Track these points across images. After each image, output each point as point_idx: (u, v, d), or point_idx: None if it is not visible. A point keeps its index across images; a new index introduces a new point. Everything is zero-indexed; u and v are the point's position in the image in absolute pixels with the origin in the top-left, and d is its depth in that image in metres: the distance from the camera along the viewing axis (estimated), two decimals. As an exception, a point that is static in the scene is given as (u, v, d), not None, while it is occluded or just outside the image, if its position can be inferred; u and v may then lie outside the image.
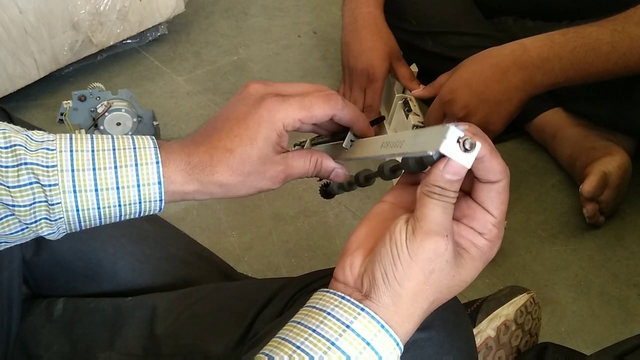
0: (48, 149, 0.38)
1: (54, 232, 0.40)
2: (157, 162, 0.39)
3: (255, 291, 0.57)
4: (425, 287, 0.35)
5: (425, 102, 1.05)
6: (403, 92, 1.10)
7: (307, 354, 0.34)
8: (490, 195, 0.36)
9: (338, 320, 0.35)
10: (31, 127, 0.59)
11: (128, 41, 1.31)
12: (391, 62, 1.08)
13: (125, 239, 0.64)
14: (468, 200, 0.37)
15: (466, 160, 0.33)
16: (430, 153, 0.33)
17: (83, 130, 1.04)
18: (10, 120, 0.56)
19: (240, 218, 1.03)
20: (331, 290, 0.37)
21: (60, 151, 0.38)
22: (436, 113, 0.95)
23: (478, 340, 0.71)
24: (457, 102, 0.90)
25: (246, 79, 1.30)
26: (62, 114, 1.02)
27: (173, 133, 1.17)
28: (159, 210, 0.41)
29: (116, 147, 0.39)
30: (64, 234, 0.40)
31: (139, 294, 0.63)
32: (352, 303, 0.35)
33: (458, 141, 0.32)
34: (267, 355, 0.35)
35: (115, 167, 0.39)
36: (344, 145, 0.46)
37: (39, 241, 0.59)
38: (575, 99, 1.08)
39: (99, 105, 1.02)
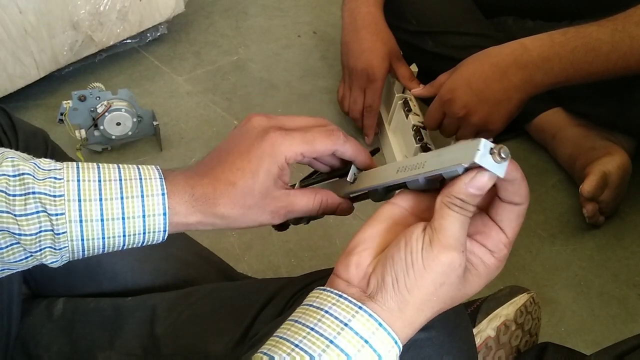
0: (55, 178, 0.38)
1: (57, 260, 0.40)
2: (163, 194, 0.40)
3: (255, 291, 0.57)
4: (432, 298, 0.35)
5: (425, 102, 1.05)
6: (403, 92, 1.10)
7: (305, 352, 0.34)
8: (510, 216, 0.38)
9: (336, 318, 0.35)
10: (31, 127, 0.60)
11: (128, 41, 1.31)
12: (391, 62, 1.08)
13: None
14: (484, 218, 0.38)
15: (499, 170, 0.33)
16: (465, 165, 0.33)
17: (83, 130, 1.04)
18: (10, 120, 0.57)
19: (240, 218, 1.03)
20: (328, 289, 0.37)
21: (68, 180, 0.38)
22: (436, 112, 0.95)
23: (478, 340, 0.71)
24: (457, 102, 0.90)
25: (246, 79, 1.30)
26: (62, 114, 1.02)
27: (173, 133, 1.17)
28: (162, 241, 0.42)
29: (123, 178, 0.40)
30: (66, 261, 0.41)
31: (139, 294, 0.63)
32: (350, 301, 0.35)
33: (491, 152, 0.33)
34: (265, 354, 0.35)
35: (122, 198, 0.39)
36: (348, 179, 0.46)
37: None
38: (575, 99, 1.08)
39: (99, 105, 1.02)
